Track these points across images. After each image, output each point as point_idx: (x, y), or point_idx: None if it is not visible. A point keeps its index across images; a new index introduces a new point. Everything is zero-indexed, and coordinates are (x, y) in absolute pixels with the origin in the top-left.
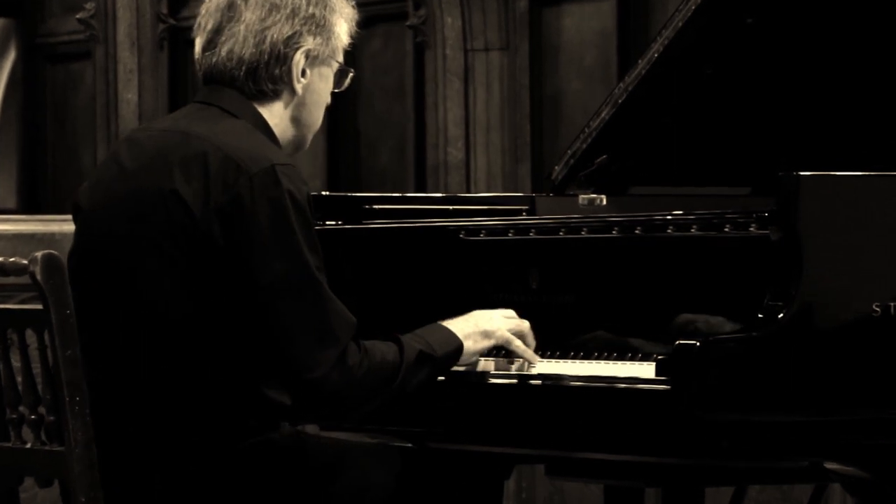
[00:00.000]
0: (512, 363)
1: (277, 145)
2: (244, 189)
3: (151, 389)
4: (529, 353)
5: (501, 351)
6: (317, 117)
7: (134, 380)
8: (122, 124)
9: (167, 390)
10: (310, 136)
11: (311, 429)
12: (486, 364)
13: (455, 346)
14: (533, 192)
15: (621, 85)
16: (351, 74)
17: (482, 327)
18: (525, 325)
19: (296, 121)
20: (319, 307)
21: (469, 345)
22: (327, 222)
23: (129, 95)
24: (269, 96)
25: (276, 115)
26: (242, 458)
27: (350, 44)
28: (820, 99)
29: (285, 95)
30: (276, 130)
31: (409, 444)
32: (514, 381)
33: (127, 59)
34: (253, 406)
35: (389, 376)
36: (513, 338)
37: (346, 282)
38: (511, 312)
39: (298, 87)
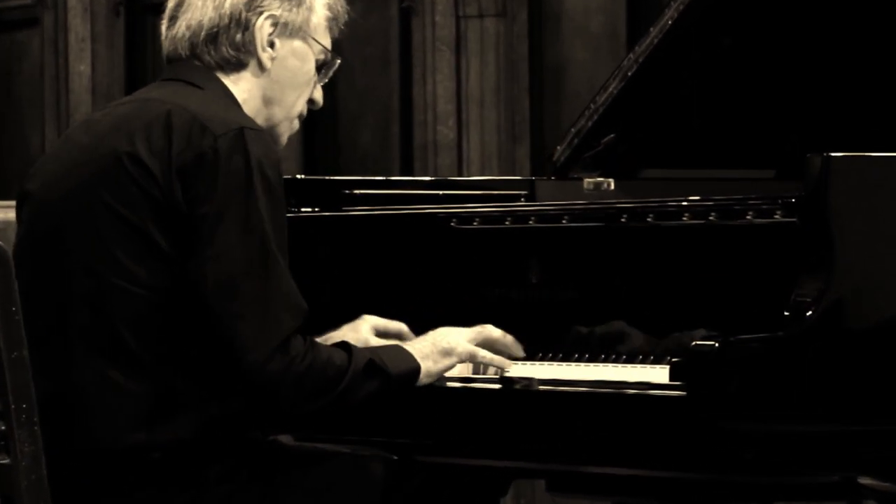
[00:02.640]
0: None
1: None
2: (208, 149)
3: (108, 384)
4: (498, 359)
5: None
6: (292, 101)
7: (87, 375)
8: (74, 99)
9: (129, 383)
10: (285, 125)
11: (286, 439)
12: (477, 368)
13: (411, 367)
14: (532, 176)
15: (631, 55)
16: (338, 63)
17: (440, 346)
18: (488, 331)
19: (267, 101)
20: (270, 287)
21: (428, 365)
22: (302, 209)
23: (81, 67)
24: (233, 65)
25: (243, 89)
26: (210, 469)
27: (339, 28)
28: (852, 73)
29: (252, 66)
30: (246, 108)
31: (395, 457)
32: (511, 386)
33: (78, 26)
34: (215, 397)
35: (333, 379)
36: (476, 350)
37: (323, 276)
38: (473, 329)
39: (265, 58)
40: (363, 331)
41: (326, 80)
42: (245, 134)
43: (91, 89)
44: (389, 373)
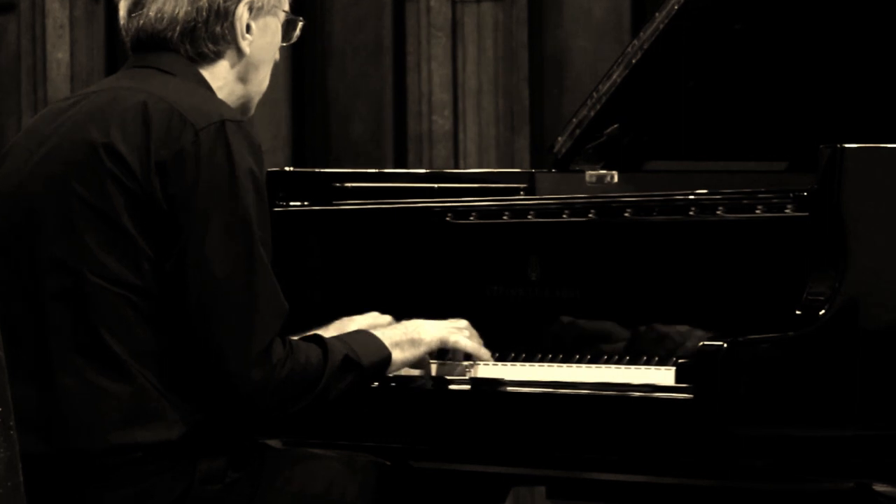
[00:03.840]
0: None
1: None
2: (189, 144)
3: (88, 386)
4: (473, 346)
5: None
6: (265, 76)
7: (65, 376)
8: (52, 88)
9: (109, 385)
10: (256, 99)
11: (274, 443)
12: (475, 368)
13: (382, 356)
14: (532, 168)
15: (635, 42)
16: (301, 24)
17: (410, 335)
18: (461, 323)
19: (242, 79)
20: (254, 291)
21: (396, 354)
22: (291, 203)
23: (59, 55)
24: (210, 58)
25: (220, 77)
26: (196, 470)
27: None
28: (870, 60)
29: (229, 55)
30: (222, 94)
31: (388, 463)
32: (510, 389)
33: (57, 11)
34: (200, 397)
35: (312, 381)
36: (448, 336)
37: (312, 274)
38: (447, 322)
39: (245, 45)
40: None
41: (289, 42)
42: (227, 127)
43: (70, 77)
44: (363, 366)
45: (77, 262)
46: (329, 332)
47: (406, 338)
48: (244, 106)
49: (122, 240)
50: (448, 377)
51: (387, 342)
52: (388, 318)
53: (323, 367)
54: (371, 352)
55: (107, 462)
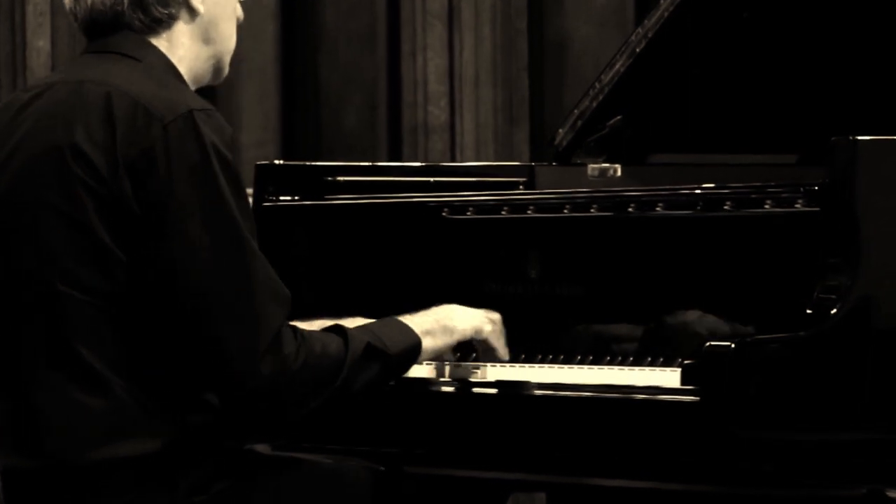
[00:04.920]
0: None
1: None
2: (157, 141)
3: (66, 401)
4: (501, 344)
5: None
6: (230, 32)
7: (43, 392)
8: (32, 77)
9: (88, 399)
10: (227, 58)
11: (262, 448)
12: (470, 370)
13: (412, 343)
14: (531, 161)
15: (640, 30)
16: None
17: (443, 322)
18: (495, 315)
19: (207, 41)
20: (251, 279)
21: (427, 342)
22: (281, 197)
23: (39, 43)
24: (165, 23)
25: (180, 44)
26: (182, 481)
27: None
28: (886, 48)
29: (183, 16)
30: (187, 61)
31: (382, 468)
32: (508, 391)
33: None
34: (184, 407)
35: (332, 372)
36: (483, 326)
37: (303, 271)
38: (482, 311)
39: (196, 3)
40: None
41: None
42: (195, 117)
43: (50, 66)
44: (389, 354)
45: (47, 272)
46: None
47: (438, 325)
48: (215, 68)
49: (93, 247)
50: (444, 378)
51: (417, 329)
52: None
53: (343, 356)
54: (399, 340)
55: (87, 478)
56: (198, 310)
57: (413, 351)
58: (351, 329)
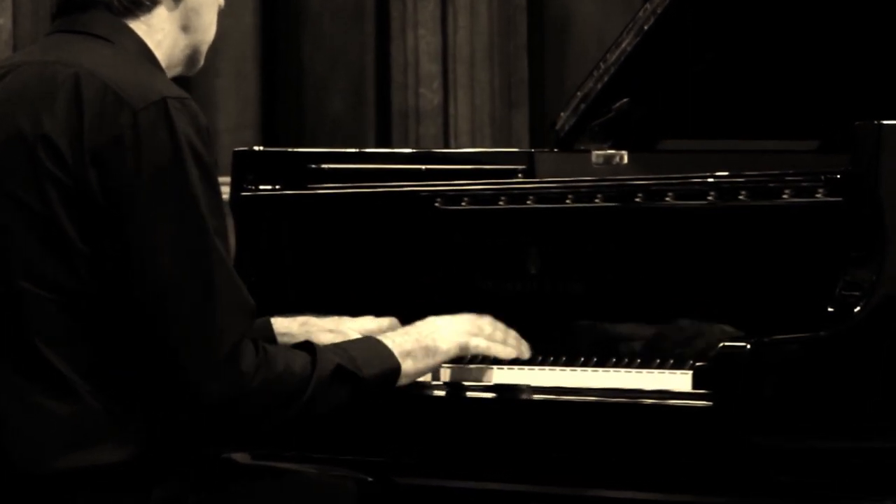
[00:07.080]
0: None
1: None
2: (127, 129)
3: (29, 407)
4: (500, 347)
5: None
6: (210, 21)
7: (4, 397)
8: None
9: (53, 405)
10: (205, 48)
11: (242, 457)
12: (468, 372)
13: (389, 367)
14: (531, 147)
15: (647, 6)
16: None
17: (424, 342)
18: (485, 321)
19: (186, 29)
20: (211, 287)
21: (408, 366)
22: (261, 187)
23: (0, 20)
24: (146, 7)
25: (158, 28)
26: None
27: None
28: None
29: (167, 2)
30: (164, 47)
31: (369, 478)
32: (506, 395)
33: None
34: (155, 413)
35: (293, 392)
36: (469, 341)
37: (284, 267)
38: (469, 317)
39: None
40: (346, 330)
41: None
42: (168, 105)
43: (12, 45)
44: (361, 377)
45: (8, 266)
46: (323, 333)
47: (419, 345)
48: (191, 58)
49: (58, 240)
50: (437, 382)
51: (396, 350)
52: (387, 320)
53: (308, 376)
54: (375, 362)
55: (53, 488)
56: (154, 313)
57: (390, 376)
58: (322, 347)
